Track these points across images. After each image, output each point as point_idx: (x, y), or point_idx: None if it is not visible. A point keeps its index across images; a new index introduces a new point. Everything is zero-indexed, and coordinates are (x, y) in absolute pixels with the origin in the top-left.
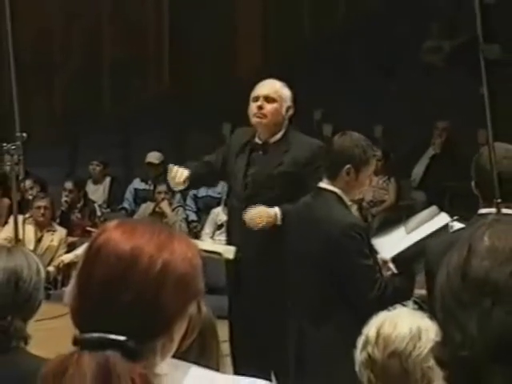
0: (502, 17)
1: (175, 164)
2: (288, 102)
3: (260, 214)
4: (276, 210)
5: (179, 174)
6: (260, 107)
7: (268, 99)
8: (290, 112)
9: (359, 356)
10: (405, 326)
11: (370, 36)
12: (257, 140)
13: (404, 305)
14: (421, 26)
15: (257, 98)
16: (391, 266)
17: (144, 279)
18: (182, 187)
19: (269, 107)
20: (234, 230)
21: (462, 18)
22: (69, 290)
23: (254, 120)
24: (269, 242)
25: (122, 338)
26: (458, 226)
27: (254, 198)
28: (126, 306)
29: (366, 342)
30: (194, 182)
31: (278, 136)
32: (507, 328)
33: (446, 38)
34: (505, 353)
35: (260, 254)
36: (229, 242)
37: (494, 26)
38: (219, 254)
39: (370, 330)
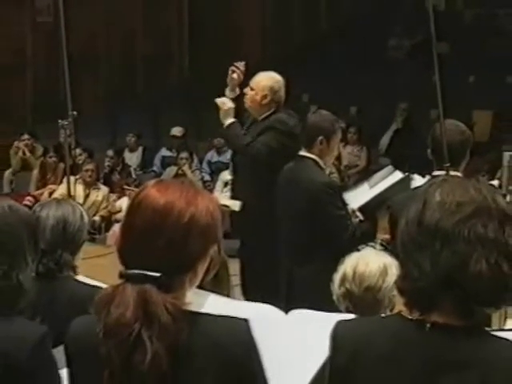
0: (449, 20)
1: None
2: (265, 91)
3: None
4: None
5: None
6: (245, 94)
7: (251, 87)
8: (267, 99)
9: (338, 290)
10: (375, 264)
11: (347, 35)
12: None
13: (370, 245)
14: (387, 28)
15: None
16: (358, 214)
17: (174, 228)
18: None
19: (249, 94)
20: (237, 184)
21: (419, 22)
22: (110, 234)
23: None
24: (261, 197)
25: (156, 274)
26: (418, 183)
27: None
28: (160, 249)
29: (344, 279)
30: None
31: (264, 116)
32: (453, 264)
33: (407, 38)
34: (451, 283)
35: (255, 206)
36: (233, 195)
37: (442, 28)
38: (227, 206)
39: (347, 268)
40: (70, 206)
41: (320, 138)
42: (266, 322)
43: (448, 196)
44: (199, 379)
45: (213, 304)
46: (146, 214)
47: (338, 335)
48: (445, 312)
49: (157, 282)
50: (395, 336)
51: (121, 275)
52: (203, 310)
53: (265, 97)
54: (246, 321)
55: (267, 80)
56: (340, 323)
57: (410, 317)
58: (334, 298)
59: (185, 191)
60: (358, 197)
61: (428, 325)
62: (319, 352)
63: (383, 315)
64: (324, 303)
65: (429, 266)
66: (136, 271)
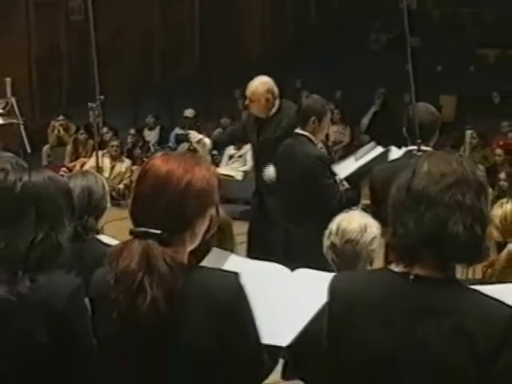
0: (420, 18)
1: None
2: (265, 96)
3: None
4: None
5: (198, 138)
6: (246, 106)
7: (250, 99)
8: (270, 101)
9: (325, 243)
10: (356, 222)
11: (333, 31)
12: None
13: (354, 209)
14: (367, 24)
15: (245, 97)
16: (345, 183)
17: (173, 192)
18: (205, 147)
19: (251, 105)
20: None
21: (395, 19)
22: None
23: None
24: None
25: (158, 231)
26: (395, 155)
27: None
28: (161, 210)
29: (330, 234)
30: (218, 144)
31: (273, 112)
32: (434, 225)
33: (384, 33)
34: (432, 241)
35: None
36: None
37: (414, 24)
38: (232, 176)
39: (333, 225)
40: (94, 177)
41: (313, 118)
42: (275, 276)
43: (434, 167)
44: (193, 321)
45: (231, 262)
46: (150, 180)
47: (335, 287)
48: (426, 266)
49: (158, 238)
50: (383, 287)
51: (130, 232)
52: (224, 267)
53: (267, 100)
54: (236, 274)
55: (262, 86)
56: (336, 277)
57: (396, 270)
58: (324, 251)
59: (184, 162)
60: (345, 168)
61: (412, 277)
62: (319, 301)
63: (370, 268)
64: (316, 257)
65: (413, 225)
66: (141, 229)
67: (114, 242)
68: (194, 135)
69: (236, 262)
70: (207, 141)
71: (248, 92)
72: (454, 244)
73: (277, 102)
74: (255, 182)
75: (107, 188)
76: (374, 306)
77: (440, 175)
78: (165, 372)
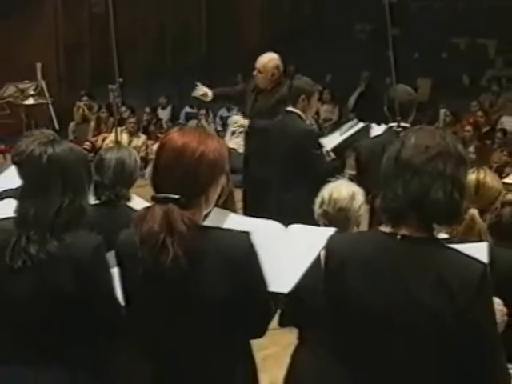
0: (399, 10)
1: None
2: (273, 70)
3: None
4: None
5: (204, 91)
6: (255, 76)
7: (259, 70)
8: (276, 76)
9: (317, 210)
10: (345, 191)
11: (324, 21)
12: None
13: (339, 178)
14: (354, 15)
15: (255, 69)
16: (331, 154)
17: (188, 162)
18: (206, 99)
19: (259, 76)
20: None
21: (378, 11)
22: (147, 170)
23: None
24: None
25: (176, 196)
26: (377, 132)
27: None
28: (179, 178)
29: (322, 203)
30: (217, 98)
31: (273, 85)
32: (419, 191)
33: (368, 23)
34: (416, 205)
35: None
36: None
37: (395, 16)
38: (235, 149)
39: (324, 194)
40: (127, 151)
41: (302, 96)
42: (271, 232)
43: (420, 140)
44: (210, 275)
45: (232, 220)
46: (167, 153)
47: (331, 245)
48: (411, 227)
49: (177, 202)
50: (374, 245)
51: (152, 198)
52: (225, 225)
53: (273, 75)
54: (247, 233)
55: (271, 61)
56: (333, 237)
57: (384, 231)
58: (315, 216)
59: (197, 135)
60: (331, 141)
61: (398, 236)
62: (314, 252)
63: (362, 230)
64: (306, 220)
65: (401, 191)
66: (162, 195)
67: (145, 204)
68: (201, 89)
69: (235, 219)
70: (210, 93)
71: (258, 64)
72: (435, 208)
73: (279, 78)
74: (244, 149)
75: (139, 161)
76: (365, 263)
77: (425, 147)
78: (188, 319)
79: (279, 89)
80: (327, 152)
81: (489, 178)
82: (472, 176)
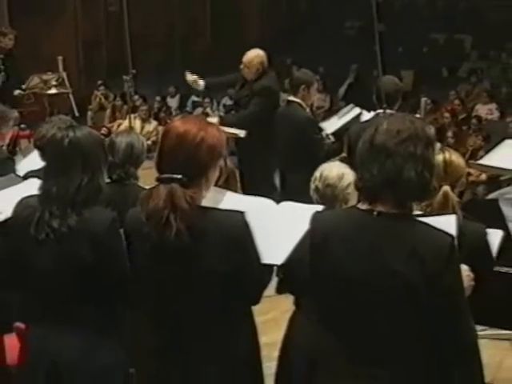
0: (385, 8)
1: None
2: (257, 66)
3: None
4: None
5: (193, 78)
6: (241, 69)
7: (246, 65)
8: (260, 70)
9: (311, 186)
10: (335, 171)
11: (318, 18)
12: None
13: (334, 160)
14: (344, 13)
15: (241, 63)
16: (331, 137)
17: (189, 146)
18: (198, 87)
19: (245, 70)
20: None
21: (365, 9)
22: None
23: None
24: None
25: (179, 176)
26: (366, 117)
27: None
28: (181, 161)
29: (315, 179)
30: (209, 86)
31: (255, 78)
32: (392, 171)
33: (357, 20)
34: (391, 184)
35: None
36: None
37: (381, 13)
38: (236, 134)
39: (317, 172)
40: (136, 135)
41: (303, 86)
42: (265, 209)
43: (391, 125)
44: (210, 250)
45: (229, 198)
46: (171, 138)
47: (315, 222)
48: (386, 204)
49: (180, 182)
50: (353, 221)
51: (157, 179)
52: (222, 203)
53: (258, 70)
54: (242, 213)
55: (256, 57)
56: (316, 214)
57: (362, 208)
58: (311, 193)
59: (198, 123)
60: (330, 125)
61: (375, 213)
62: (303, 227)
63: (345, 207)
64: (306, 198)
65: (376, 171)
66: (166, 175)
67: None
68: (190, 76)
69: (232, 198)
70: (201, 82)
71: (245, 59)
72: (408, 186)
73: (262, 71)
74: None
75: (146, 145)
76: (346, 237)
77: (396, 131)
78: (191, 290)
79: (261, 80)
80: (327, 135)
81: (454, 156)
82: (439, 156)
